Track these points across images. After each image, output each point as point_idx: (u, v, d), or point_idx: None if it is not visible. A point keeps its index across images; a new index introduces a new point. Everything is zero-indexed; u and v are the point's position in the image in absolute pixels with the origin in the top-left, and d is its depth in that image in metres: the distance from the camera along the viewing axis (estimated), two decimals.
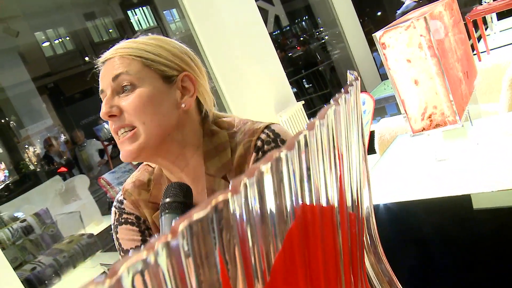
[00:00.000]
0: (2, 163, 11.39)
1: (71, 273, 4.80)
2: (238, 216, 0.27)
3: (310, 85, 8.67)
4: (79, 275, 4.70)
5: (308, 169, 0.35)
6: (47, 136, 11.27)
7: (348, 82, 0.45)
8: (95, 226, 6.05)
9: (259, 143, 0.94)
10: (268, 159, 0.30)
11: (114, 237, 1.07)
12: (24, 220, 5.24)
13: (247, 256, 0.29)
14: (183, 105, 0.98)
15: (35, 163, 11.43)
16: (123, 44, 0.98)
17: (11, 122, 11.75)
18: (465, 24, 2.41)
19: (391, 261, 0.83)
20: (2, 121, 11.79)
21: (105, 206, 6.64)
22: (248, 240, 0.28)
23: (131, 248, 1.03)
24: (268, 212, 0.30)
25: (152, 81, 0.94)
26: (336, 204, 0.41)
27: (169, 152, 0.97)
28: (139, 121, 0.92)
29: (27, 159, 11.65)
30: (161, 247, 0.23)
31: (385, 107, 5.22)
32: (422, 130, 1.49)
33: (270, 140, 0.94)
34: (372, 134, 3.36)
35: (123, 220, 1.06)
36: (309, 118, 5.03)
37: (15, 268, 4.76)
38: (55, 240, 5.22)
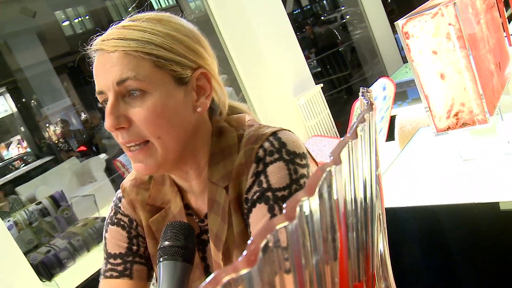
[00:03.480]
0: (24, 141, 11.54)
1: (85, 257, 4.80)
2: None
3: (329, 66, 8.48)
4: (93, 259, 4.70)
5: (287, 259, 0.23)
6: (65, 116, 11.35)
7: (360, 113, 0.33)
8: None
9: (260, 152, 0.80)
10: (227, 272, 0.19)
11: (104, 234, 0.99)
12: (40, 203, 5.25)
13: None
14: (199, 109, 0.84)
15: (55, 141, 11.54)
16: (123, 32, 0.79)
17: (32, 101, 11.85)
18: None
19: (410, 270, 0.72)
20: (23, 100, 11.90)
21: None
22: None
23: (114, 253, 0.94)
24: None
25: (165, 85, 0.79)
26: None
27: (186, 162, 0.86)
28: (153, 136, 0.78)
29: (47, 138, 11.77)
30: None
31: (406, 91, 5.04)
32: (447, 129, 1.35)
33: (274, 150, 0.80)
34: (392, 119, 3.23)
35: (115, 221, 0.97)
36: (327, 102, 4.89)
37: (30, 250, 4.79)
38: (70, 223, 5.22)
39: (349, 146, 0.29)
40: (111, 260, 0.94)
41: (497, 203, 1.31)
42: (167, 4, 15.32)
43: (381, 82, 3.14)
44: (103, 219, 5.07)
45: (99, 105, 0.83)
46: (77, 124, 11.77)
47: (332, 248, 0.29)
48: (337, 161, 0.26)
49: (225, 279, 0.19)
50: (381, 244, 0.60)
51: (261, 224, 0.77)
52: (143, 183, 0.96)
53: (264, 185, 0.79)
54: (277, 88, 4.38)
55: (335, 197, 0.27)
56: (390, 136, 3.23)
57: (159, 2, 15.44)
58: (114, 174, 6.90)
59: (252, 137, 0.84)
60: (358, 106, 2.98)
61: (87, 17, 14.23)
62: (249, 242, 0.22)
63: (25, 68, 10.98)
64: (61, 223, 5.22)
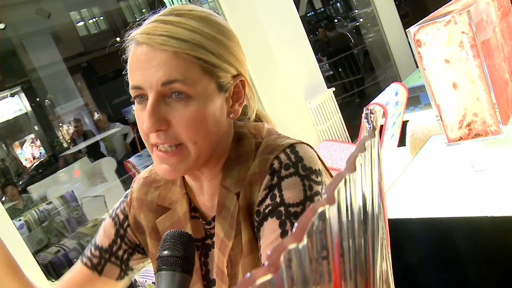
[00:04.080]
0: (38, 140, 11.67)
1: None
2: None
3: (342, 69, 8.44)
4: None
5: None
6: (77, 116, 11.44)
7: (361, 140, 0.31)
8: None
9: (276, 164, 0.78)
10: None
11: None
12: (50, 202, 5.28)
13: None
14: (231, 115, 0.83)
15: (68, 141, 11.65)
16: (172, 29, 0.75)
17: (46, 101, 11.97)
18: None
19: (419, 283, 0.69)
20: (37, 99, 12.03)
21: None
22: None
23: (97, 244, 0.96)
24: None
25: (209, 92, 0.77)
26: None
27: (207, 164, 0.84)
28: (191, 140, 0.76)
29: (60, 137, 11.89)
30: None
31: (419, 96, 5.00)
32: (459, 140, 1.31)
33: (290, 164, 0.77)
34: (404, 124, 3.19)
35: (113, 215, 0.98)
36: (339, 106, 4.85)
37: (40, 250, 4.81)
38: (80, 223, 5.25)
39: (347, 180, 0.26)
40: (92, 249, 0.96)
41: (511, 217, 1.27)
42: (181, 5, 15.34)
43: (394, 87, 3.10)
44: None
45: (134, 100, 0.79)
46: (89, 124, 11.87)
47: (325, 277, 0.27)
48: (331, 200, 0.24)
49: None
50: (384, 263, 0.58)
51: (271, 239, 0.75)
52: (155, 181, 0.95)
53: (277, 200, 0.76)
54: (288, 92, 4.36)
55: (328, 234, 0.25)
56: (402, 141, 3.19)
57: (172, 2, 15.50)
58: (125, 175, 6.93)
59: (269, 147, 0.82)
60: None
61: (101, 17, 14.35)
62: None
63: (39, 68, 11.11)
64: (71, 223, 5.24)
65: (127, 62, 0.81)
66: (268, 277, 0.19)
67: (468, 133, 1.29)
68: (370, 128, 0.34)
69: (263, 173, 0.79)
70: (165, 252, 0.71)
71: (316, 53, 9.26)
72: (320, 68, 4.93)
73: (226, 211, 0.83)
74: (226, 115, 0.82)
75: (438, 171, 1.63)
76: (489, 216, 1.23)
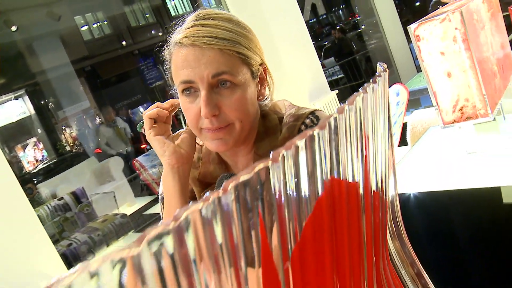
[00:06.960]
0: (41, 143, 11.78)
1: (104, 251, 4.96)
2: (276, 182, 0.33)
3: (343, 75, 8.64)
4: None
5: (337, 147, 0.40)
6: (81, 119, 11.52)
7: (377, 73, 0.50)
8: (128, 207, 6.18)
9: (303, 127, 0.99)
10: (303, 136, 0.35)
11: (160, 206, 1.12)
12: (62, 199, 5.43)
13: (282, 218, 0.34)
14: (260, 97, 1.03)
15: (71, 144, 11.77)
16: (213, 30, 0.92)
17: (50, 104, 12.10)
18: (508, 16, 2.39)
19: (417, 251, 0.86)
20: (42, 102, 12.16)
21: (137, 188, 6.81)
22: (283, 204, 0.34)
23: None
24: (301, 181, 0.36)
25: (247, 80, 0.96)
26: (361, 182, 0.46)
27: (244, 140, 1.01)
28: (237, 120, 0.94)
29: (64, 141, 12.00)
30: (214, 201, 0.29)
31: (419, 99, 5.17)
32: (453, 122, 1.51)
33: (314, 126, 0.93)
34: (405, 125, 3.36)
35: None
36: None
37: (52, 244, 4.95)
38: (90, 219, 5.39)
39: (371, 86, 0.44)
40: None
41: (499, 192, 1.46)
42: (185, 11, 15.52)
43: (395, 88, 3.27)
44: (123, 215, 5.24)
45: (183, 93, 0.95)
46: (92, 127, 11.96)
47: (360, 147, 0.45)
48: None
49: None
50: (392, 191, 0.75)
51: None
52: (193, 162, 1.10)
53: None
54: (293, 93, 4.53)
55: (358, 114, 0.43)
56: (403, 142, 3.36)
57: (176, 9, 15.70)
58: (132, 174, 7.09)
59: (294, 116, 1.02)
60: None
61: (105, 22, 14.46)
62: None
63: (42, 72, 11.22)
64: (81, 219, 5.39)
65: (163, 64, 0.99)
66: (338, 115, 0.37)
67: (461, 116, 1.48)
68: (382, 68, 0.53)
69: (291, 137, 0.97)
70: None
71: (326, 57, 9.42)
72: (326, 72, 5.10)
73: None
74: (257, 97, 1.01)
75: (434, 154, 1.82)
76: (477, 187, 1.42)
